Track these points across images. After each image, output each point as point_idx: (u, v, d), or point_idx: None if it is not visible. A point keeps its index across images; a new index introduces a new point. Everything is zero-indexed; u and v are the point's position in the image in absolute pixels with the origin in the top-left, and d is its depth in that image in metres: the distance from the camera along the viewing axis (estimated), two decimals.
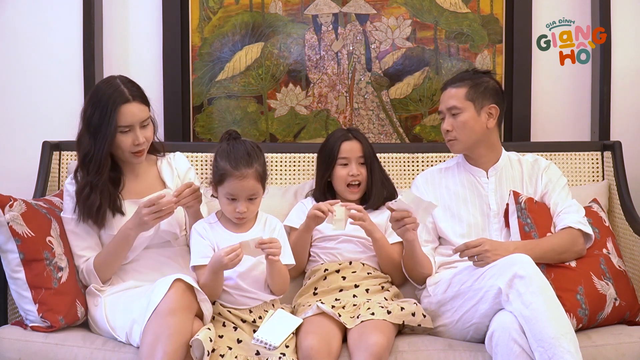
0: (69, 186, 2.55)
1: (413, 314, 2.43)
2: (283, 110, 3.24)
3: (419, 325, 2.44)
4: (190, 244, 2.47)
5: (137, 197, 2.55)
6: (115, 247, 2.47)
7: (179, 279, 2.26)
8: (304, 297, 2.60)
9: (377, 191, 2.71)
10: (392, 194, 2.74)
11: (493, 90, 2.65)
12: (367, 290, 2.56)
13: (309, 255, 2.70)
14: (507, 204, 2.61)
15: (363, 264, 2.64)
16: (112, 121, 2.44)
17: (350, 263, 2.63)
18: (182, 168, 2.68)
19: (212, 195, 2.47)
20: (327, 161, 2.73)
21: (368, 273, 2.62)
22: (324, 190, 2.75)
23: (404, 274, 2.65)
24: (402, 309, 2.42)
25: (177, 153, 2.74)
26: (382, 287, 2.60)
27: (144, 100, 2.53)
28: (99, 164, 2.46)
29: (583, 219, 2.59)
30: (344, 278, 2.59)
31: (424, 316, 2.46)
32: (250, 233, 2.44)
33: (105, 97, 2.46)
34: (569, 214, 2.59)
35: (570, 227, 2.55)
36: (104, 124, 2.44)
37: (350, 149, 2.70)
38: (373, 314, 2.38)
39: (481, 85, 2.63)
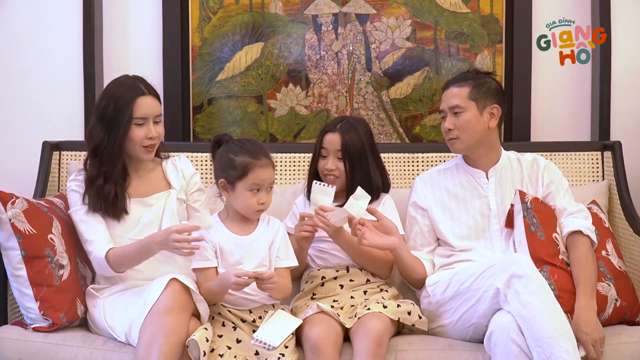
0: (73, 183, 2.55)
1: (409, 313, 2.43)
2: (283, 110, 3.25)
3: (413, 325, 2.45)
4: None
5: (141, 197, 2.56)
6: (135, 253, 2.43)
7: (174, 278, 2.27)
8: (302, 300, 2.60)
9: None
10: (374, 196, 2.65)
11: (495, 90, 2.65)
12: (364, 292, 2.57)
13: None
14: (512, 204, 2.60)
15: (361, 269, 2.62)
16: (129, 112, 2.48)
17: (348, 270, 2.62)
18: (187, 171, 2.67)
19: (218, 196, 2.48)
20: (314, 151, 2.70)
21: (367, 280, 2.61)
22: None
23: (387, 267, 2.63)
24: (398, 306, 2.43)
25: (182, 156, 2.73)
26: (381, 290, 2.60)
27: (158, 97, 2.58)
28: (113, 154, 2.49)
29: (592, 226, 2.58)
30: (341, 287, 2.58)
31: (420, 317, 2.46)
32: (253, 235, 2.45)
33: (122, 90, 2.51)
34: (579, 219, 2.58)
35: (580, 231, 2.54)
36: (120, 115, 2.48)
37: (329, 140, 2.64)
38: (369, 309, 2.39)
39: (484, 85, 2.63)
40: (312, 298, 2.58)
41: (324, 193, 2.52)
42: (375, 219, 2.52)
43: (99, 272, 2.52)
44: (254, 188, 2.38)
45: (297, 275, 2.68)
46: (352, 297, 2.53)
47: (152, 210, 2.55)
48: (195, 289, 2.29)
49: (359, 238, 2.45)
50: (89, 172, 2.51)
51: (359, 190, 2.49)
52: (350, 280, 2.59)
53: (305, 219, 2.52)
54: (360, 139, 2.63)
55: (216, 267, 2.39)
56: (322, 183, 2.55)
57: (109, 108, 2.49)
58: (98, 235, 2.49)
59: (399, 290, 2.67)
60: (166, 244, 2.33)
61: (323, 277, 2.60)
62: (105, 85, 3.11)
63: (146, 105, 2.51)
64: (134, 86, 2.52)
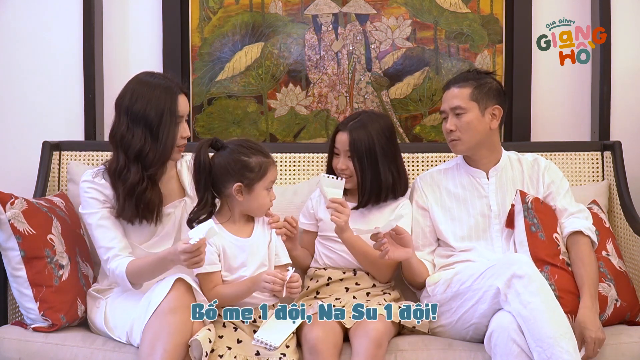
0: (89, 185, 2.45)
1: None
2: (283, 110, 3.25)
3: (414, 327, 2.45)
4: None
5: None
6: (151, 270, 2.35)
7: (180, 278, 2.27)
8: (305, 299, 2.60)
9: (367, 191, 2.60)
10: (384, 196, 2.63)
11: (496, 91, 2.65)
12: (367, 294, 2.57)
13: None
14: (513, 204, 2.60)
15: (367, 273, 2.61)
16: (174, 113, 2.41)
17: (355, 273, 2.61)
18: None
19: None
20: (329, 149, 2.69)
21: (373, 285, 2.60)
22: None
23: (389, 271, 2.62)
24: (399, 307, 2.43)
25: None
26: (384, 292, 2.60)
27: (188, 95, 2.53)
28: (161, 158, 2.41)
29: (592, 227, 2.58)
30: (347, 289, 2.58)
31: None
32: (254, 236, 2.45)
33: (157, 91, 2.41)
34: (580, 220, 2.58)
35: (581, 232, 2.54)
36: (166, 115, 2.39)
37: (339, 140, 2.63)
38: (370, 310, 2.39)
39: (485, 85, 2.62)
40: (315, 297, 2.59)
41: (333, 185, 2.52)
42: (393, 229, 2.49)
43: (116, 282, 2.45)
44: (269, 186, 2.42)
45: (301, 272, 2.68)
46: (354, 297, 2.53)
47: (169, 220, 2.51)
48: (198, 289, 2.30)
49: (383, 253, 2.42)
50: (132, 178, 2.38)
51: (398, 212, 2.55)
52: (356, 284, 2.59)
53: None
54: (371, 138, 2.58)
55: (220, 271, 2.40)
56: (331, 176, 2.55)
57: (147, 111, 2.39)
58: (115, 242, 2.41)
59: (400, 292, 2.67)
60: (180, 262, 2.27)
61: (329, 278, 2.61)
62: (105, 84, 3.15)
63: (184, 104, 2.45)
64: (168, 85, 2.44)
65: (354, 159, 2.60)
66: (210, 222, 2.34)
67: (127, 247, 2.43)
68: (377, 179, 2.60)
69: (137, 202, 2.40)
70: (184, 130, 2.46)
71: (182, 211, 2.53)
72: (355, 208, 2.62)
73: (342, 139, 2.61)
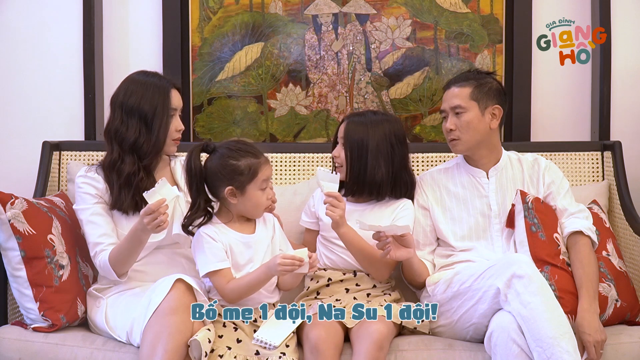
0: (84, 180, 2.50)
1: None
2: (283, 110, 3.25)
3: (415, 328, 2.45)
4: (198, 249, 2.41)
5: None
6: (128, 248, 2.41)
7: (180, 279, 2.27)
8: (305, 299, 2.61)
9: (353, 181, 2.59)
10: (367, 192, 2.62)
11: (497, 91, 2.65)
12: (367, 294, 2.57)
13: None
14: (513, 204, 2.60)
15: (368, 275, 2.61)
16: (168, 103, 2.50)
17: (355, 275, 2.61)
18: None
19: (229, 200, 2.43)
20: (333, 138, 2.73)
21: (374, 286, 2.60)
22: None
23: (386, 269, 2.60)
24: (399, 307, 2.43)
25: None
26: (384, 293, 2.60)
27: (180, 90, 2.61)
28: (155, 148, 2.49)
29: (593, 227, 2.58)
30: (347, 290, 2.58)
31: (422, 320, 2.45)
32: (257, 233, 2.46)
33: (153, 84, 2.52)
34: (580, 219, 2.58)
35: (581, 232, 2.54)
36: (159, 107, 2.49)
37: (340, 128, 2.66)
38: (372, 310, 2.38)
39: (485, 85, 2.63)
40: (315, 297, 2.59)
41: (328, 179, 2.51)
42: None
43: (103, 275, 2.49)
44: (263, 186, 2.41)
45: None
46: (354, 298, 2.54)
47: None
48: (199, 289, 2.30)
49: (385, 253, 2.43)
50: (128, 169, 2.46)
51: (405, 222, 2.55)
52: (357, 285, 2.59)
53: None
54: (366, 131, 2.59)
55: (230, 267, 2.39)
56: (327, 169, 2.54)
57: (142, 102, 2.48)
58: (103, 238, 2.46)
59: (400, 292, 2.67)
60: (145, 228, 2.31)
61: (329, 279, 2.61)
62: (104, 84, 3.15)
63: (177, 97, 2.55)
64: (161, 83, 2.53)
65: (346, 147, 2.61)
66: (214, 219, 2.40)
67: (116, 244, 2.46)
68: (364, 173, 2.59)
69: (135, 192, 2.46)
70: (178, 124, 2.54)
71: (174, 203, 2.53)
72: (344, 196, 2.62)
73: (341, 127, 2.65)
